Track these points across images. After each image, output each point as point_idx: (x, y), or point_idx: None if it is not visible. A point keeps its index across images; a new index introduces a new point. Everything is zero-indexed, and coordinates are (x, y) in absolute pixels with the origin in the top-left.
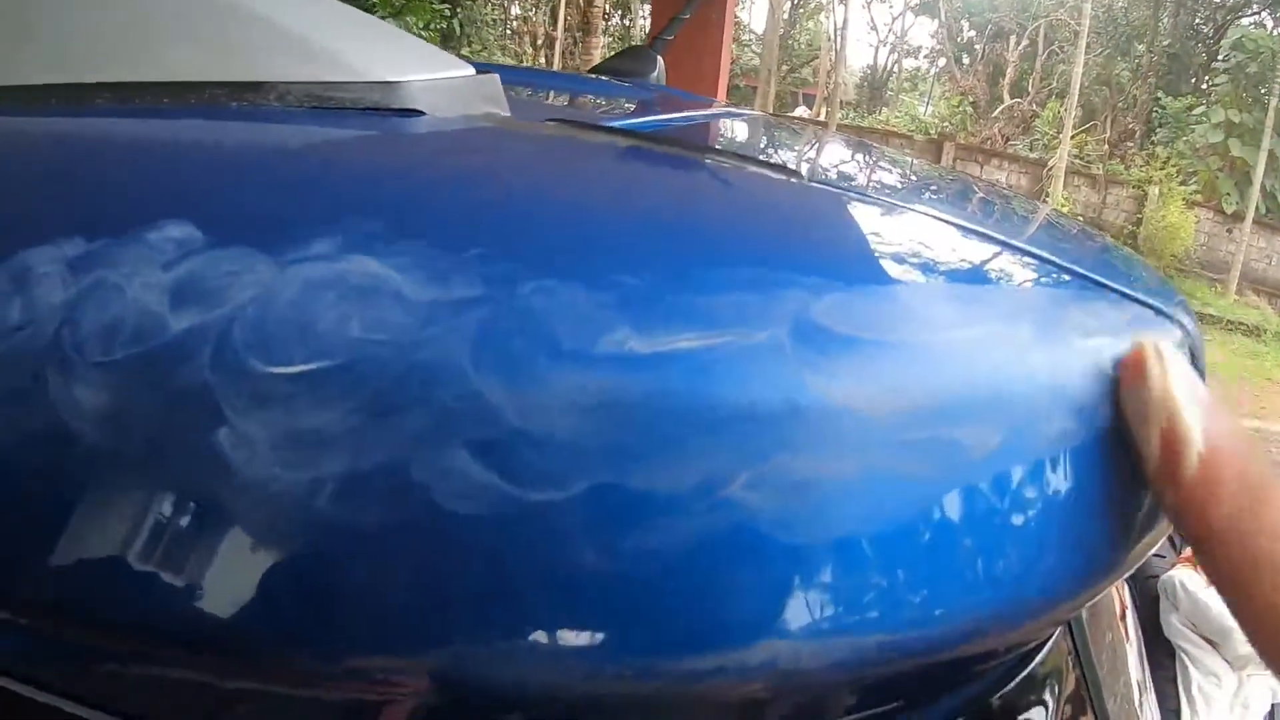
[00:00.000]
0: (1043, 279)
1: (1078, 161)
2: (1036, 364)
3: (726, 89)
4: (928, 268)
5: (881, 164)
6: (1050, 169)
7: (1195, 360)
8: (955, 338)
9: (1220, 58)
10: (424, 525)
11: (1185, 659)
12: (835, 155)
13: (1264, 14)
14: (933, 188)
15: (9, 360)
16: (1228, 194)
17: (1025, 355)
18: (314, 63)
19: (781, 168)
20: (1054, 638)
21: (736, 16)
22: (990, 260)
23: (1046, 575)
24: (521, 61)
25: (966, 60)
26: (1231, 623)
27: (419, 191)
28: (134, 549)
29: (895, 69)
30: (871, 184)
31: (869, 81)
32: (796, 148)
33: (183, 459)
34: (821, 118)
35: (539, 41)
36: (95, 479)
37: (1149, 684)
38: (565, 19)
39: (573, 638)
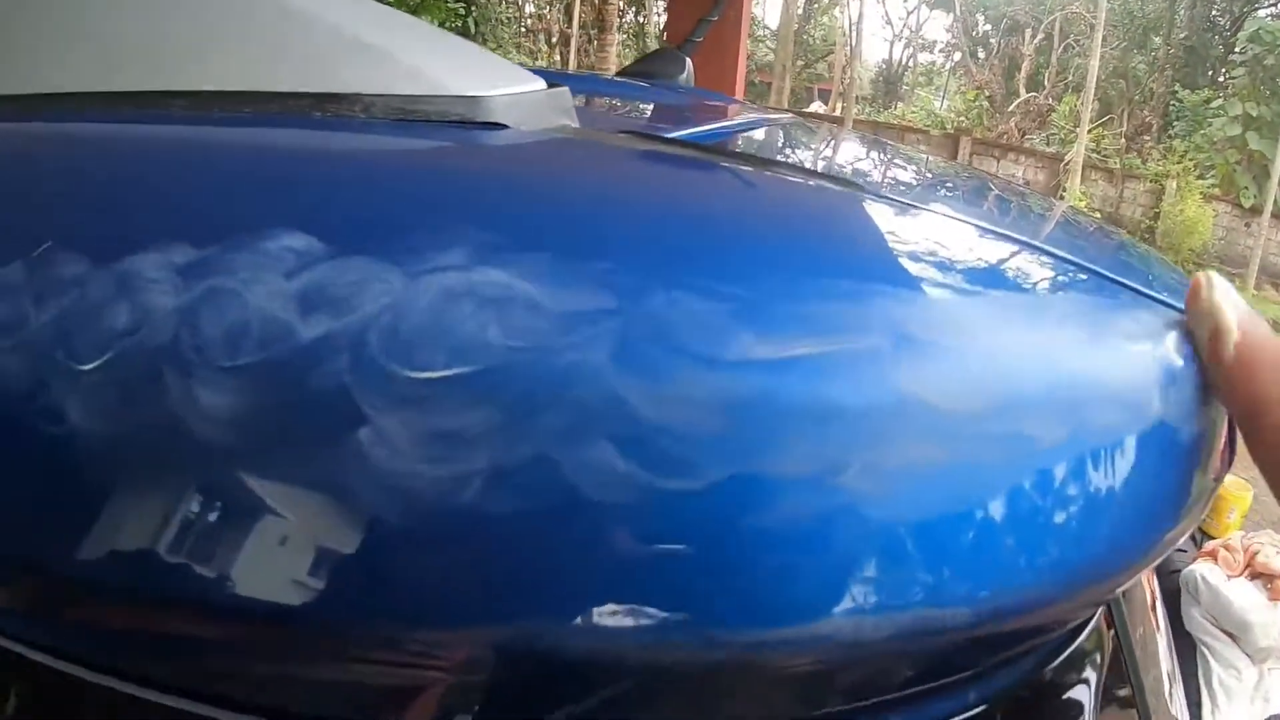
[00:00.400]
0: (1093, 289)
1: (1094, 156)
2: (1087, 365)
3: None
4: (992, 278)
5: (929, 173)
6: (1067, 164)
7: None
8: (1021, 341)
9: (1237, 50)
10: (567, 512)
11: (1206, 652)
12: (888, 166)
13: None
14: (984, 196)
15: (120, 363)
16: (1245, 188)
17: (1078, 357)
18: (396, 76)
19: (847, 181)
20: (1095, 618)
21: (751, 13)
22: (1046, 271)
23: (1093, 554)
24: (536, 59)
25: (982, 54)
26: (1252, 616)
27: (529, 203)
28: (258, 540)
29: (910, 63)
30: (929, 197)
31: (884, 76)
32: (852, 158)
33: (318, 457)
34: (837, 113)
35: (553, 39)
36: (218, 475)
37: (1177, 675)
38: (580, 16)
39: (685, 609)
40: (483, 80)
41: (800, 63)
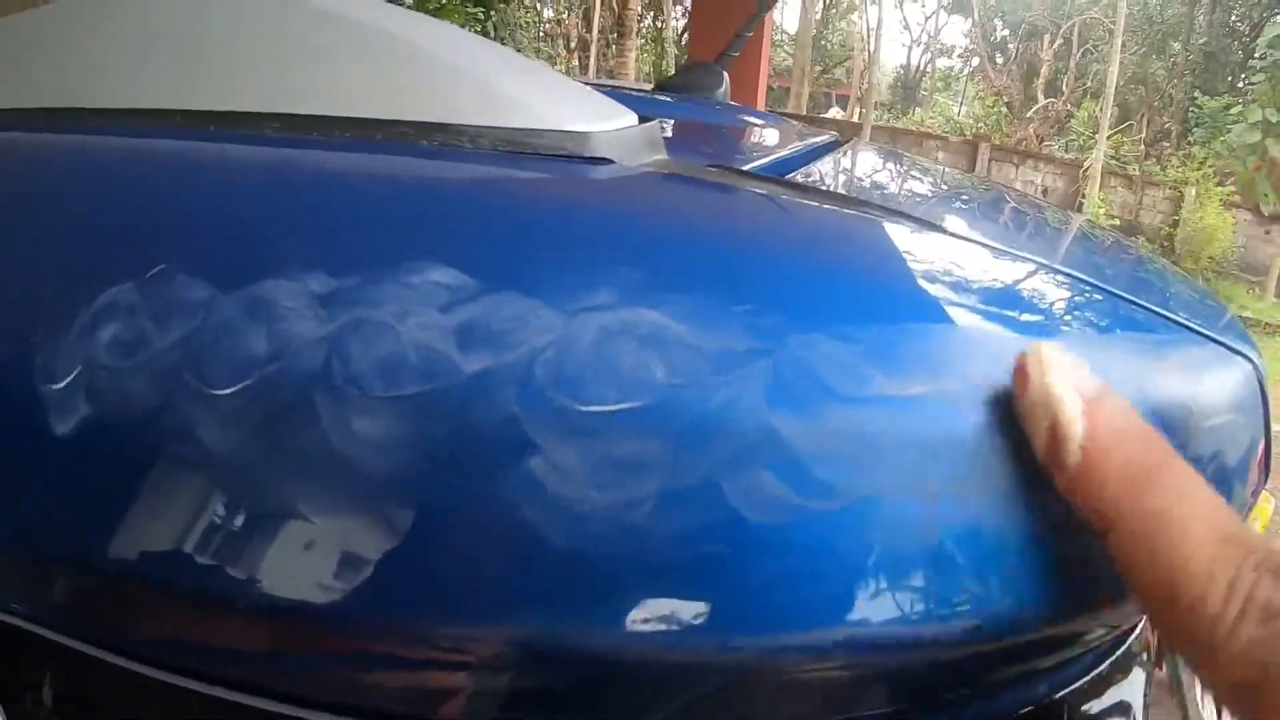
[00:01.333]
0: (1144, 329)
1: (1114, 162)
2: (1143, 389)
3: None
4: (1061, 316)
5: (1013, 211)
6: (1086, 170)
7: (1262, 387)
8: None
9: (1257, 56)
10: (727, 533)
11: None
12: (964, 202)
13: None
14: (1048, 233)
15: (263, 390)
16: (1266, 194)
17: (1135, 382)
18: (499, 109)
19: (927, 222)
20: (1142, 622)
21: (772, 20)
22: (1094, 306)
23: None
24: (555, 64)
25: (1000, 60)
26: None
27: (664, 243)
28: (417, 558)
29: (928, 69)
30: (1004, 236)
31: (902, 81)
32: (925, 193)
33: (483, 483)
34: (855, 119)
35: (572, 44)
36: (373, 500)
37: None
38: (600, 21)
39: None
40: (585, 115)
41: (818, 68)
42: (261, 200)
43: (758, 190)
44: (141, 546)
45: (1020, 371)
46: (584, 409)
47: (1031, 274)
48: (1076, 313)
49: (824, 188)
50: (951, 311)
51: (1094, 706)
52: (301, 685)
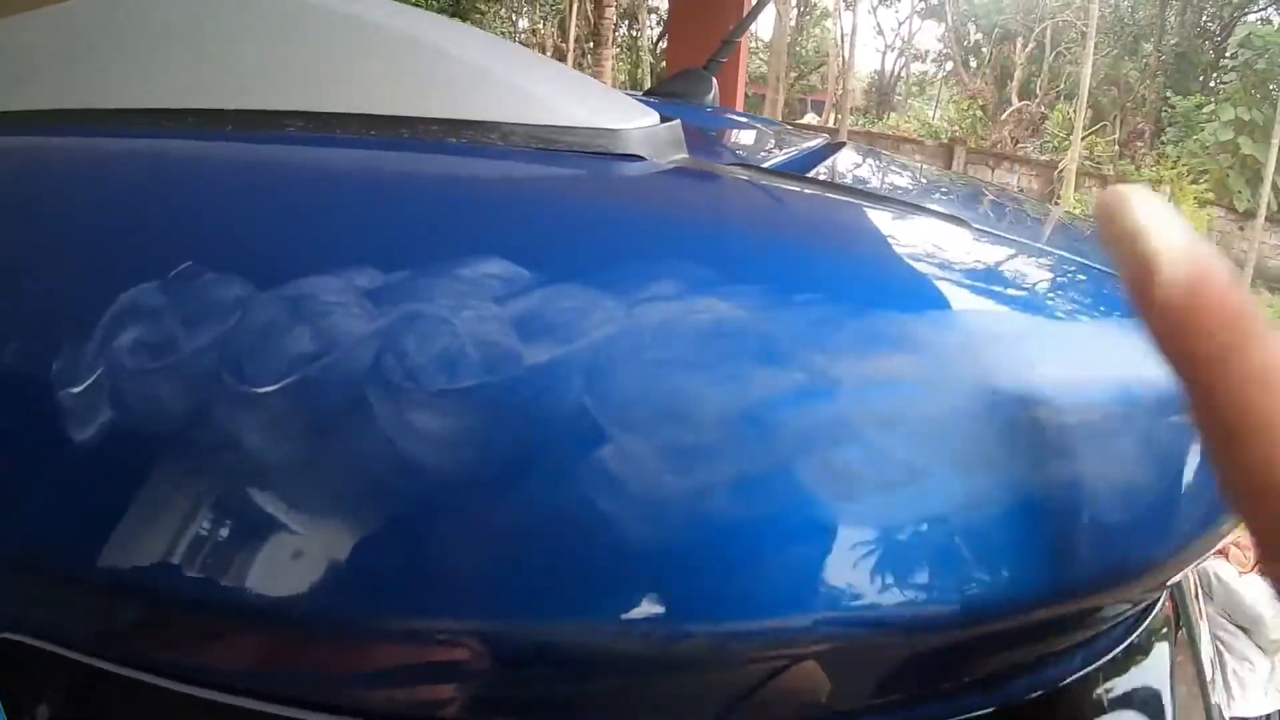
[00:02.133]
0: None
1: (1088, 163)
2: (1153, 371)
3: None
4: (1083, 305)
5: (1008, 203)
6: (1061, 171)
7: None
8: (1076, 354)
9: (1228, 55)
10: (800, 514)
11: (1220, 645)
12: (968, 197)
13: (1270, 10)
14: (1052, 225)
15: (308, 388)
16: (1239, 192)
17: (1142, 365)
18: (530, 107)
19: (951, 217)
20: (1163, 600)
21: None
22: (1090, 287)
23: (1157, 537)
24: None
25: (974, 63)
26: (1264, 609)
27: (715, 236)
28: (495, 556)
29: (903, 73)
30: (1018, 229)
31: (877, 87)
32: (942, 189)
33: (555, 474)
34: (831, 124)
35: (548, 54)
36: (441, 498)
37: (1218, 662)
38: (575, 30)
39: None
40: (612, 113)
41: (793, 74)
42: (305, 198)
43: (790, 187)
44: (156, 558)
45: (1103, 205)
46: (649, 399)
47: (1057, 265)
48: (1071, 293)
49: (846, 184)
50: (985, 299)
51: (1118, 684)
52: (340, 692)
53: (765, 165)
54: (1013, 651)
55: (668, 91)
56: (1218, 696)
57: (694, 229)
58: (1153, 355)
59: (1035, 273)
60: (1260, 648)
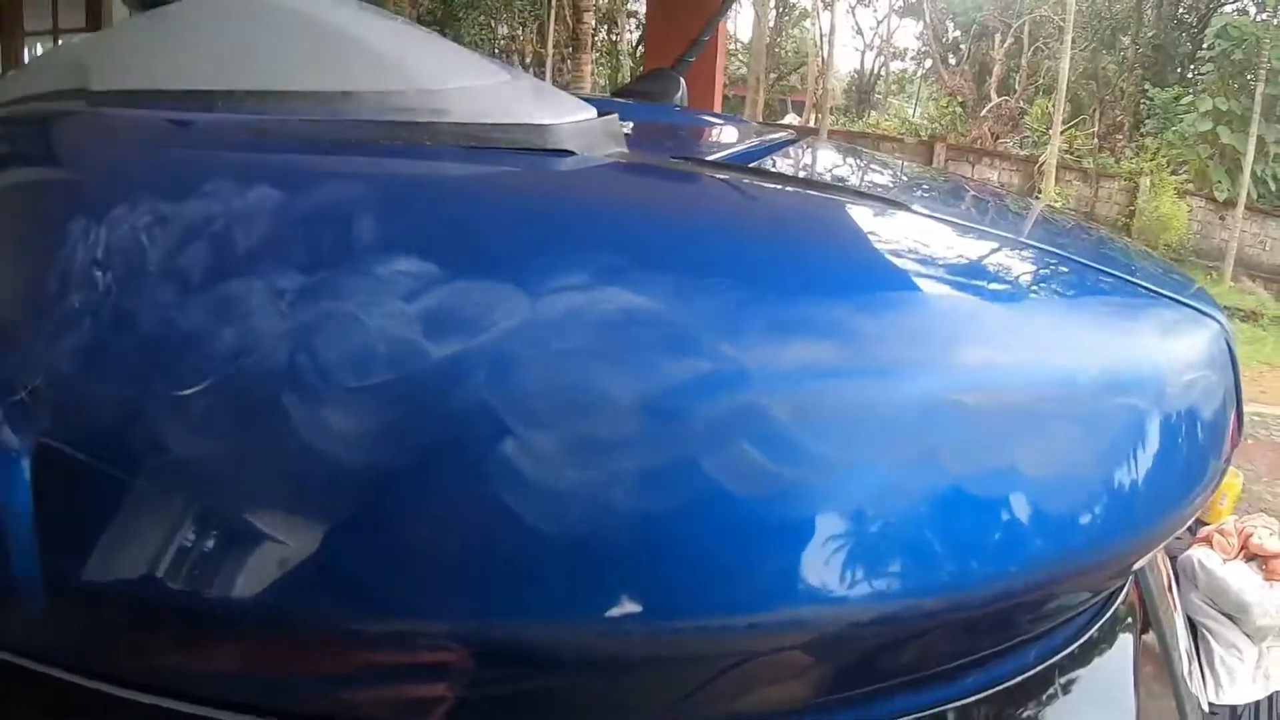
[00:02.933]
0: (1113, 294)
1: (1068, 156)
2: (1106, 357)
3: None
4: (1026, 288)
5: (958, 193)
6: (1041, 165)
7: (1230, 348)
8: (1049, 340)
9: (1205, 46)
10: (707, 504)
11: (1206, 634)
12: (921, 185)
13: (1247, 1)
14: (1012, 213)
15: (231, 386)
16: (1219, 181)
17: (1097, 351)
18: (463, 104)
19: (890, 202)
20: (1127, 588)
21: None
22: (1061, 275)
23: (1120, 526)
24: None
25: (953, 60)
26: (1249, 596)
27: (628, 226)
28: (404, 550)
29: (882, 72)
30: (970, 215)
31: (856, 86)
32: (884, 178)
33: (463, 468)
34: (812, 124)
35: (528, 59)
36: (350, 494)
37: (1194, 653)
38: (555, 36)
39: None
40: (546, 110)
41: (773, 75)
42: (228, 201)
43: (721, 177)
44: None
45: None
46: (559, 391)
47: (998, 248)
48: (1045, 282)
49: (787, 175)
50: (918, 283)
51: (1082, 674)
52: (288, 697)
53: (708, 158)
54: (959, 645)
55: (637, 91)
56: (1196, 686)
57: (614, 222)
58: (1096, 339)
59: (972, 255)
60: (1247, 635)
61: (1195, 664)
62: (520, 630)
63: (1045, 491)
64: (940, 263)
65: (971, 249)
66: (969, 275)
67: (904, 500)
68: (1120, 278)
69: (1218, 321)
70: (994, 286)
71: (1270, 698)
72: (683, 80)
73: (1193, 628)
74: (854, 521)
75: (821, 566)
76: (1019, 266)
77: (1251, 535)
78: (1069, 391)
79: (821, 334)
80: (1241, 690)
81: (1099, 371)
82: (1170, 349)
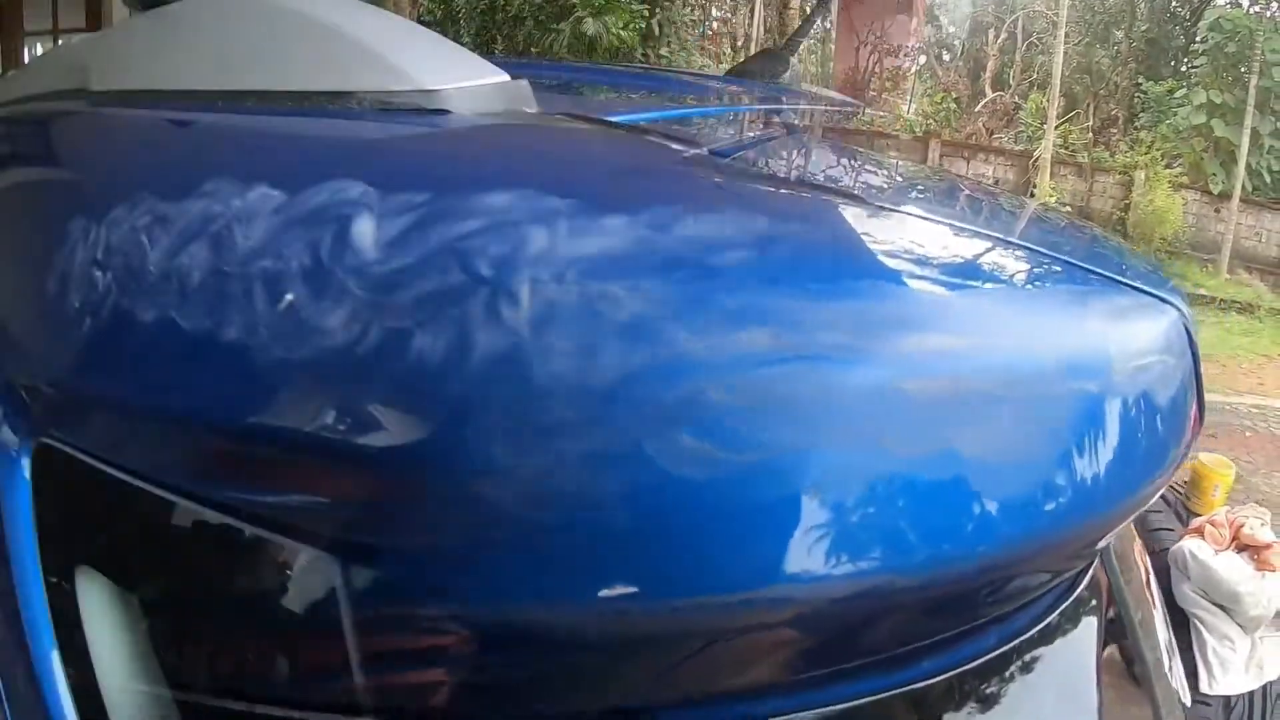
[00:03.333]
0: (1063, 281)
1: (1063, 151)
2: (1059, 343)
3: None
4: (968, 274)
5: (893, 167)
6: (1036, 160)
7: (1189, 333)
8: (996, 326)
9: (1198, 40)
10: (655, 488)
11: (1199, 625)
12: (828, 160)
13: None
14: (967, 201)
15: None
16: (1213, 174)
17: (1050, 336)
18: (382, 74)
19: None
20: (1093, 569)
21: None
22: (1024, 267)
23: (1080, 506)
24: (719, 63)
25: (947, 56)
26: (1241, 587)
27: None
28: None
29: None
30: (863, 187)
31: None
32: (793, 149)
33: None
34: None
35: (738, 43)
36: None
37: (1174, 649)
38: (765, 20)
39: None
40: (442, 75)
41: None
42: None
43: (589, 130)
44: None
45: None
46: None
47: (950, 235)
48: (996, 268)
49: (678, 134)
50: (854, 266)
51: (1043, 656)
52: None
53: (615, 118)
54: (919, 627)
55: (743, 70)
56: (1178, 681)
57: (453, 165)
58: (1046, 325)
59: (924, 242)
60: (1240, 625)
61: (1176, 658)
62: (492, 613)
63: (1001, 474)
64: (889, 250)
65: (921, 235)
66: (918, 264)
67: (861, 483)
68: (1075, 264)
69: (1176, 308)
70: (947, 273)
71: (1263, 688)
72: (793, 60)
73: (1185, 619)
74: (810, 505)
75: (779, 549)
76: (964, 252)
77: (1243, 526)
78: (1017, 376)
79: (756, 321)
80: (1234, 681)
81: (1048, 357)
82: (1124, 334)
